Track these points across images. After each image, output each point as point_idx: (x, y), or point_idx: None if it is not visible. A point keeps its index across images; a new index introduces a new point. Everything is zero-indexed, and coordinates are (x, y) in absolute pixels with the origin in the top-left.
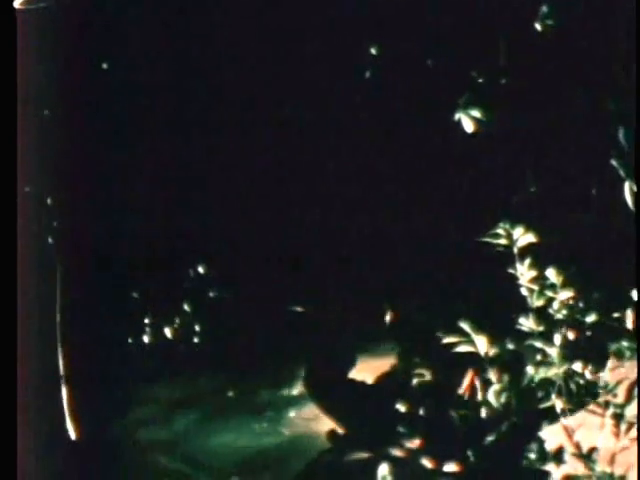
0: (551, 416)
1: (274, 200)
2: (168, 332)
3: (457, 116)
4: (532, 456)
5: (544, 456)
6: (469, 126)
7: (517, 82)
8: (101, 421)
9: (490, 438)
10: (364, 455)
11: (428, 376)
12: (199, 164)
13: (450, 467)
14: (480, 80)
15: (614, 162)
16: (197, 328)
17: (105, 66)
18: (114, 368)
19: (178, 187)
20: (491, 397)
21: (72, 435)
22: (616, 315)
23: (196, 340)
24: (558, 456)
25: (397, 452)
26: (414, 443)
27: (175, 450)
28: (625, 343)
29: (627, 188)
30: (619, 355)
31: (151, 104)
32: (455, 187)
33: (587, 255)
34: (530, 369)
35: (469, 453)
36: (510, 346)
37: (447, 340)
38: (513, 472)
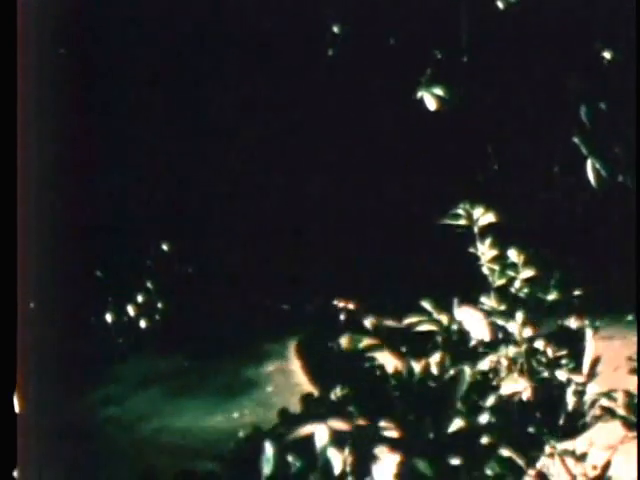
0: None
1: (238, 177)
2: (131, 310)
3: (420, 94)
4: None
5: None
6: (431, 104)
7: (479, 60)
8: (63, 400)
9: (427, 407)
10: (311, 429)
11: (379, 358)
12: (164, 144)
13: (390, 433)
14: (442, 58)
15: (576, 140)
16: (160, 305)
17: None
18: (77, 346)
19: (143, 164)
20: (433, 368)
21: (16, 408)
22: (577, 293)
23: (158, 317)
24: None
25: (343, 426)
26: (361, 419)
27: (137, 429)
28: (587, 321)
29: (589, 166)
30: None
31: (124, 82)
32: (417, 165)
33: (549, 233)
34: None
35: (409, 419)
36: (454, 326)
37: (409, 320)
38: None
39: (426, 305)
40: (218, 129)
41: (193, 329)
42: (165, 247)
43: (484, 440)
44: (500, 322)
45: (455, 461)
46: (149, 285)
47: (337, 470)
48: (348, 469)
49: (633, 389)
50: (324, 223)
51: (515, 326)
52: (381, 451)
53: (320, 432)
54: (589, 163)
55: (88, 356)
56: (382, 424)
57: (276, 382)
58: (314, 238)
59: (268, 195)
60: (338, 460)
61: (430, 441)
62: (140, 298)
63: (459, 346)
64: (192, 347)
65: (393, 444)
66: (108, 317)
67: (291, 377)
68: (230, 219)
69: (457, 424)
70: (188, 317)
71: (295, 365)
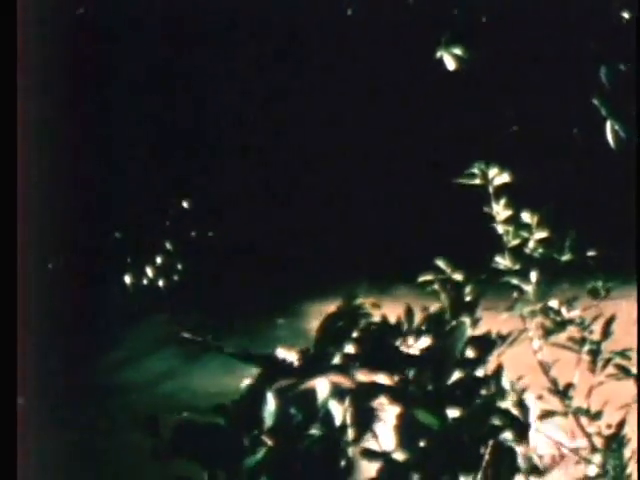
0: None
1: (259, 140)
2: (150, 271)
3: (439, 54)
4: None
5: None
6: (451, 64)
7: (498, 20)
8: (79, 362)
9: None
10: (312, 382)
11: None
12: (181, 109)
13: (384, 380)
14: (461, 18)
15: (595, 101)
16: (179, 267)
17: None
18: (95, 308)
19: (160, 125)
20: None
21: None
22: (591, 254)
23: (177, 278)
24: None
25: (343, 380)
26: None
27: (153, 391)
28: (600, 282)
29: (608, 127)
30: (594, 293)
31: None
32: (435, 125)
33: (568, 194)
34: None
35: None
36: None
37: (423, 278)
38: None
39: (441, 264)
40: (235, 89)
41: (211, 290)
42: (184, 208)
43: (484, 392)
44: (514, 281)
45: (455, 413)
46: (168, 246)
47: (338, 422)
48: (349, 421)
49: None
50: (341, 182)
51: (530, 285)
52: (381, 403)
53: (321, 385)
54: (608, 124)
55: (107, 317)
56: (382, 377)
57: (291, 342)
58: (330, 198)
59: (286, 157)
60: (339, 412)
61: (430, 392)
62: (159, 259)
63: (459, 298)
64: (210, 308)
65: (393, 396)
66: (127, 278)
67: (307, 336)
68: (249, 182)
69: (456, 376)
70: (206, 278)
71: (310, 324)
